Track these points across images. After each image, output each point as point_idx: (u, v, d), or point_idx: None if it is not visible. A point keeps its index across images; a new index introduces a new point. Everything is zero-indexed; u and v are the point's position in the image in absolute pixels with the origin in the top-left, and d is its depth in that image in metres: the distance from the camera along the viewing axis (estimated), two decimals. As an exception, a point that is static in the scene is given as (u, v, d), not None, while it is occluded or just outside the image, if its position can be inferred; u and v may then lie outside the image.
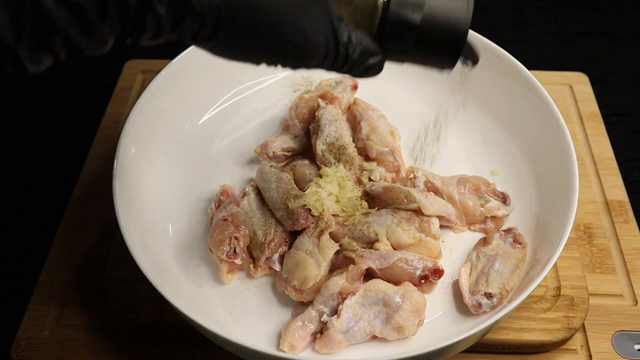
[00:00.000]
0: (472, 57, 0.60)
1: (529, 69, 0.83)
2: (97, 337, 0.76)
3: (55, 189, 0.97)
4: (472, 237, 0.78)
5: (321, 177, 0.77)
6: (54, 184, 0.98)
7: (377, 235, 0.73)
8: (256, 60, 0.48)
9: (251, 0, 0.43)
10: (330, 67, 0.51)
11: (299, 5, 0.46)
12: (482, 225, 0.78)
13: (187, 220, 0.80)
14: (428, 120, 0.82)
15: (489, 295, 0.69)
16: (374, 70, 0.54)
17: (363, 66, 0.52)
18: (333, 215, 0.74)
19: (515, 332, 0.73)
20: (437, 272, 0.71)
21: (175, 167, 0.84)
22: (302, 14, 0.46)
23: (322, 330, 0.68)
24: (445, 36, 0.53)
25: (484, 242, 0.75)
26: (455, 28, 0.53)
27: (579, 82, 1.04)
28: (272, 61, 0.48)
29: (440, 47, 0.54)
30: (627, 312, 0.78)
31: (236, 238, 0.72)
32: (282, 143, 0.84)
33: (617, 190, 0.90)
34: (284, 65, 0.48)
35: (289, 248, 0.74)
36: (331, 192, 0.75)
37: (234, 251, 0.72)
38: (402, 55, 0.54)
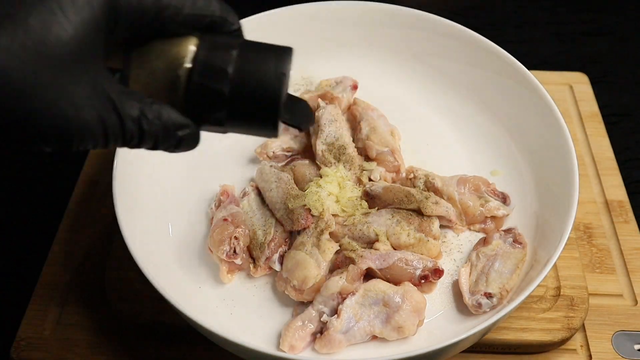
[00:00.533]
0: (300, 122, 0.55)
1: (529, 69, 0.83)
2: (97, 337, 0.76)
3: (55, 189, 0.97)
4: (472, 237, 0.78)
5: (321, 177, 0.77)
6: (54, 184, 0.98)
7: (377, 235, 0.73)
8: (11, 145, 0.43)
9: None
10: (125, 145, 0.46)
11: (47, 86, 0.40)
12: (482, 225, 0.78)
13: (187, 220, 0.80)
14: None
15: (489, 295, 0.69)
16: (187, 142, 0.49)
17: (172, 140, 0.48)
18: (333, 215, 0.74)
19: (515, 332, 0.73)
20: (437, 272, 0.71)
21: (176, 167, 0.84)
22: (55, 94, 0.41)
23: (322, 330, 0.68)
24: (258, 104, 0.48)
25: (484, 242, 0.75)
26: (266, 95, 0.48)
27: (579, 82, 1.04)
28: (32, 146, 0.43)
29: (255, 116, 0.49)
30: (627, 312, 0.78)
31: (236, 238, 0.72)
32: (282, 143, 0.84)
33: (617, 190, 0.90)
34: (54, 149, 0.43)
35: (289, 248, 0.74)
36: (331, 192, 0.75)
37: (234, 251, 0.72)
38: (217, 126, 0.50)
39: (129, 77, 0.48)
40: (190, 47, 0.48)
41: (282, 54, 0.49)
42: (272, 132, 0.51)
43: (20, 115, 0.41)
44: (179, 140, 0.49)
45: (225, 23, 0.50)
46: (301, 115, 0.56)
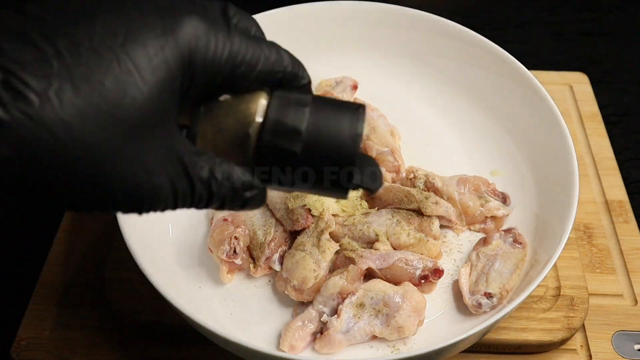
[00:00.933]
0: (370, 184, 0.53)
1: (529, 69, 0.83)
2: (97, 337, 0.76)
3: (55, 189, 0.97)
4: (472, 237, 0.78)
5: (321, 177, 0.77)
6: (54, 184, 0.98)
7: (377, 235, 0.73)
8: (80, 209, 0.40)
9: (50, 157, 0.36)
10: (193, 206, 0.45)
11: (120, 150, 0.38)
12: (482, 225, 0.78)
13: (187, 220, 0.80)
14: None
15: (489, 295, 0.69)
16: (254, 202, 0.47)
17: (238, 200, 0.46)
18: (333, 215, 0.74)
19: (515, 332, 0.73)
20: (437, 272, 0.71)
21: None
22: (128, 159, 0.39)
23: (322, 330, 0.68)
24: (331, 166, 0.46)
25: (484, 242, 0.75)
26: (341, 157, 0.45)
27: (579, 82, 1.04)
28: (102, 211, 0.41)
29: (327, 178, 0.46)
30: (627, 312, 0.78)
31: (236, 238, 0.72)
32: (282, 143, 0.84)
33: (617, 190, 0.90)
34: (123, 212, 0.42)
35: (289, 248, 0.74)
36: (331, 192, 0.75)
37: (234, 251, 0.72)
38: (287, 186, 0.47)
39: (197, 134, 0.45)
40: (261, 103, 0.45)
41: (356, 112, 0.46)
42: (342, 195, 0.48)
43: (94, 181, 0.38)
44: (245, 201, 0.46)
45: (296, 78, 0.48)
46: (372, 176, 0.53)
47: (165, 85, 0.40)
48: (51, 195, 0.38)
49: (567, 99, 1.02)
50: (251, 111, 0.45)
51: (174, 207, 0.44)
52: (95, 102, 0.37)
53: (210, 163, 0.43)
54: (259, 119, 0.45)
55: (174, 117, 0.42)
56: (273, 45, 0.46)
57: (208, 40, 0.41)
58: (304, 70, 0.48)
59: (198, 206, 0.45)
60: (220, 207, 0.46)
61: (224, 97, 0.46)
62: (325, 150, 0.45)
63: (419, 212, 0.75)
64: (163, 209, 0.43)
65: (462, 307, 0.71)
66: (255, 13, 0.90)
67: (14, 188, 0.37)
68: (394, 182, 0.80)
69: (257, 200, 0.47)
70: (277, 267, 0.72)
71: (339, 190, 0.48)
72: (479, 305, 0.69)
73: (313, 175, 0.46)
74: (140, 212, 0.42)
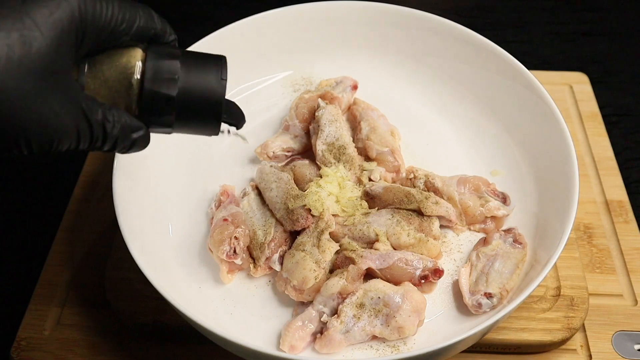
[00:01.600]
0: (235, 120, 0.62)
1: (529, 69, 0.83)
2: (97, 337, 0.76)
3: (55, 189, 0.97)
4: (472, 237, 0.78)
5: (321, 177, 0.77)
6: (54, 184, 0.98)
7: (377, 235, 0.73)
8: None
9: None
10: (90, 147, 0.52)
11: (31, 94, 0.45)
12: (482, 225, 0.78)
13: (187, 220, 0.80)
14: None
15: (489, 295, 0.69)
16: (140, 143, 0.55)
17: (127, 141, 0.54)
18: (333, 215, 0.74)
19: (515, 332, 0.73)
20: (437, 272, 0.71)
21: (175, 167, 0.84)
22: (38, 102, 0.46)
23: (322, 330, 0.68)
24: (203, 106, 0.55)
25: (484, 242, 0.75)
26: (211, 98, 0.55)
27: (579, 82, 1.04)
28: (13, 150, 0.48)
29: (200, 117, 0.56)
30: (627, 312, 0.78)
31: (236, 238, 0.72)
32: (282, 143, 0.84)
33: (617, 190, 0.90)
34: (31, 152, 0.48)
35: (289, 248, 0.74)
36: (331, 192, 0.75)
37: (234, 251, 0.72)
38: (166, 127, 0.56)
39: (84, 86, 0.52)
40: (139, 56, 0.54)
41: (220, 62, 0.57)
42: (214, 131, 0.58)
43: (8, 122, 0.45)
44: (133, 141, 0.54)
45: (165, 34, 0.57)
46: (236, 115, 0.63)
47: (63, 38, 0.47)
48: None
49: (567, 99, 1.02)
50: (131, 64, 0.53)
51: (77, 146, 0.51)
52: (5, 53, 0.44)
53: (102, 108, 0.51)
54: (138, 70, 0.53)
55: (70, 68, 0.50)
56: (146, 7, 0.55)
57: (94, 1, 0.50)
58: (171, 28, 0.57)
59: (95, 147, 0.52)
60: (112, 149, 0.53)
61: (104, 54, 0.53)
62: (198, 93, 0.54)
63: (419, 212, 0.75)
64: (67, 148, 0.50)
65: (462, 307, 0.71)
66: (255, 13, 0.90)
67: None
68: (394, 182, 0.80)
69: (143, 141, 0.55)
70: (277, 267, 0.72)
71: (211, 127, 0.57)
72: (479, 305, 0.69)
73: (188, 116, 0.55)
74: (50, 149, 0.49)
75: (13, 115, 0.45)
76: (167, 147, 0.85)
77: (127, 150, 0.55)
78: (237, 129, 0.63)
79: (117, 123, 0.52)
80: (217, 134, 0.58)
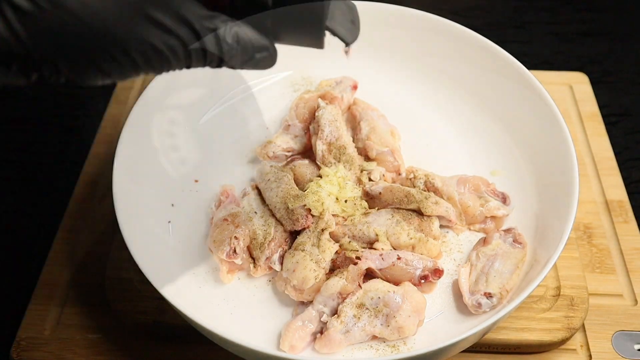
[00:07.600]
0: (344, 34, 0.60)
1: (529, 69, 0.83)
2: (97, 337, 0.76)
3: (55, 189, 0.97)
4: (472, 237, 0.78)
5: (321, 177, 0.77)
6: (54, 184, 0.98)
7: (377, 235, 0.73)
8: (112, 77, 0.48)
9: (74, 24, 0.44)
10: (207, 64, 0.51)
11: (127, 15, 0.45)
12: (482, 225, 0.78)
13: (187, 220, 0.80)
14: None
15: (488, 295, 0.69)
16: (265, 63, 0.54)
17: (251, 61, 0.53)
18: (333, 215, 0.74)
19: (515, 332, 0.73)
20: (437, 272, 0.71)
21: (175, 168, 0.84)
22: (142, 25, 0.46)
23: (322, 330, 0.68)
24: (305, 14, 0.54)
25: (484, 242, 0.75)
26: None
27: (579, 82, 1.04)
28: (125, 73, 0.48)
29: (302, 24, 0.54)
30: (627, 312, 0.78)
31: (236, 238, 0.72)
32: (282, 143, 0.84)
33: (617, 190, 0.90)
34: (146, 72, 0.48)
35: (289, 248, 0.74)
36: (331, 192, 0.75)
37: (234, 251, 0.72)
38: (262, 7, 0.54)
39: None
40: None
41: None
42: (318, 38, 0.56)
43: (116, 46, 0.45)
44: (257, 61, 0.53)
45: None
46: (346, 24, 0.60)
47: None
48: (89, 60, 0.45)
49: (567, 99, 1.02)
50: None
51: (189, 66, 0.50)
52: None
53: (220, 26, 0.49)
54: None
55: None
56: None
57: None
58: None
59: (211, 65, 0.51)
60: (233, 67, 0.52)
61: None
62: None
63: (419, 212, 0.75)
64: (180, 68, 0.49)
65: (462, 307, 0.71)
66: (255, 13, 0.90)
67: (70, 52, 0.45)
68: (394, 182, 0.80)
69: (269, 61, 0.54)
70: (277, 267, 0.72)
71: (315, 32, 0.56)
72: (479, 305, 0.69)
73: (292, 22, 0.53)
74: (160, 71, 0.48)
75: (116, 41, 0.45)
76: (167, 147, 0.85)
77: (251, 67, 0.54)
78: (346, 45, 0.60)
79: (235, 43, 0.50)
80: (321, 46, 0.57)
